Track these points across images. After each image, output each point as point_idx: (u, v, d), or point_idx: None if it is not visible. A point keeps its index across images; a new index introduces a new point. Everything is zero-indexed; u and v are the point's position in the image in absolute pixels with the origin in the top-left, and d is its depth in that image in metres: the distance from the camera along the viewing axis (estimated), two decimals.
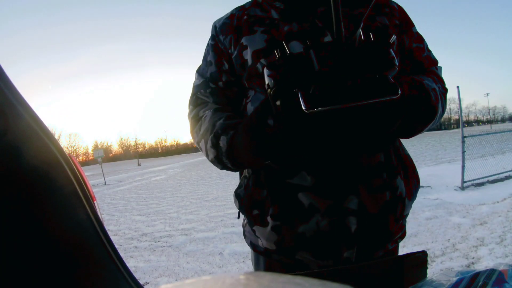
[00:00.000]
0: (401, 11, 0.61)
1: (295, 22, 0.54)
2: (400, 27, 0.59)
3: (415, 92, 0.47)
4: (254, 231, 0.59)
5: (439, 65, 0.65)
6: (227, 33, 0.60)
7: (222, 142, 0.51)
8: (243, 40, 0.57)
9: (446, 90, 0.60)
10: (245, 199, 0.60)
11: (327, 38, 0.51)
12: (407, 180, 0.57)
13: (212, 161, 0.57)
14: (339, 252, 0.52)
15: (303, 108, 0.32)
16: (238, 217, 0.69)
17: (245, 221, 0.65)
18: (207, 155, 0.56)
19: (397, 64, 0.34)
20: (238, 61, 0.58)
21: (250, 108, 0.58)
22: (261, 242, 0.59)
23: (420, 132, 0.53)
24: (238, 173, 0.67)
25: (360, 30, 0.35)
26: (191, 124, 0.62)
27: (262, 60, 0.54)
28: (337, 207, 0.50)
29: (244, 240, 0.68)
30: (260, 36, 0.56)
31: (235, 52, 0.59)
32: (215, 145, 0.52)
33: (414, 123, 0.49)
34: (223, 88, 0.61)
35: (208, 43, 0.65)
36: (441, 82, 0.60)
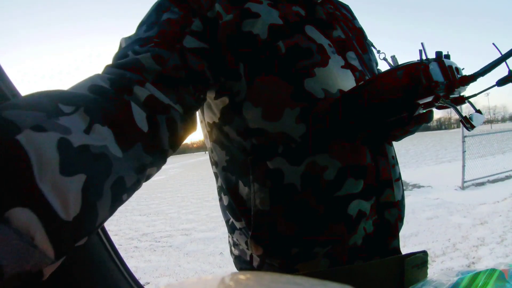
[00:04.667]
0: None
1: (298, 5, 0.49)
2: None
3: None
4: (296, 270, 0.46)
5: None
6: None
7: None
8: (250, 6, 0.43)
9: None
10: (275, 240, 0.45)
11: (335, 33, 0.51)
12: None
13: None
14: (385, 247, 0.51)
15: (469, 125, 0.38)
16: (251, 262, 0.50)
17: (259, 263, 0.48)
18: None
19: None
20: (235, 30, 0.42)
21: (252, 108, 0.44)
22: None
23: None
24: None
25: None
26: None
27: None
28: (377, 204, 0.49)
29: None
30: (271, 10, 0.45)
31: (229, 16, 0.42)
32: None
33: None
34: (185, 51, 0.37)
35: (161, 3, 0.42)
36: None
